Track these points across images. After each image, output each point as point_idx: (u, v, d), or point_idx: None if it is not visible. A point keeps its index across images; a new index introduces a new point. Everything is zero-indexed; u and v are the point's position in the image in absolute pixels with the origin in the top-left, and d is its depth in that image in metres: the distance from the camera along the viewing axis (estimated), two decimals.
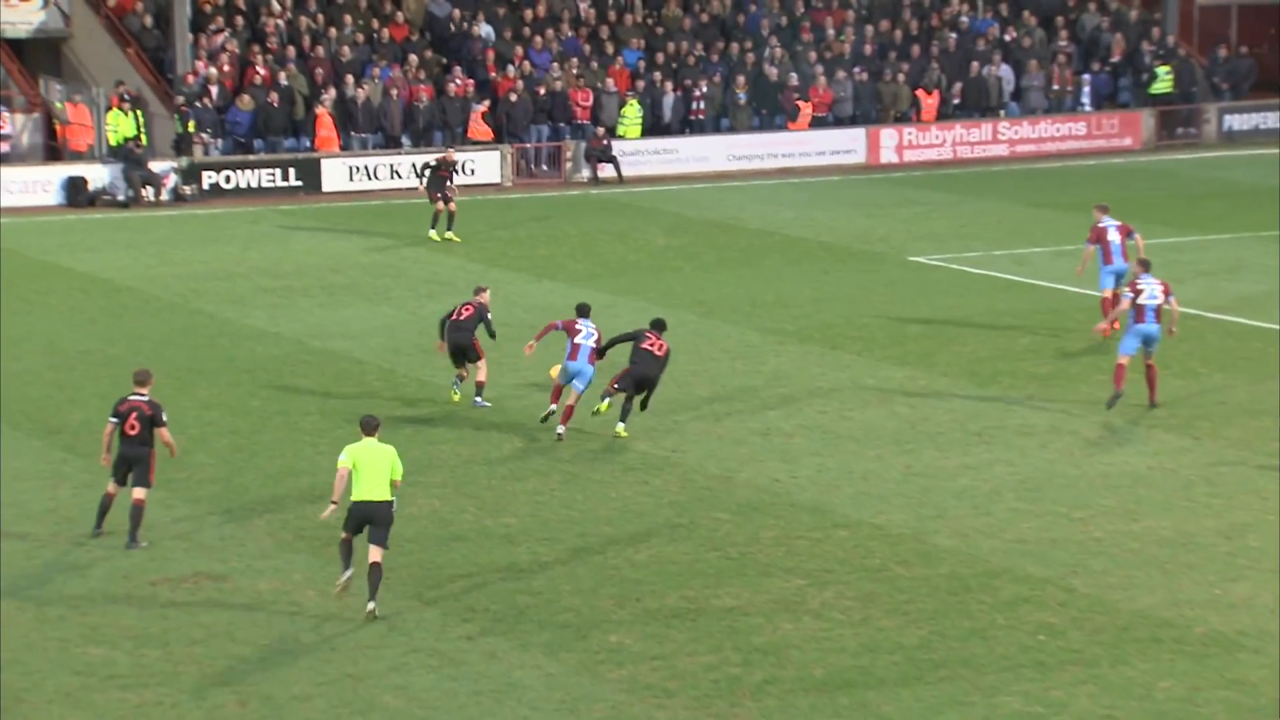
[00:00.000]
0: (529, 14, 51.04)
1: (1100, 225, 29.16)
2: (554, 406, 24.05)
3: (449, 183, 38.58)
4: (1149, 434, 23.91)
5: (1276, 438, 23.51)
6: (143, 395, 20.13)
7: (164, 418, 20.09)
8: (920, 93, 51.32)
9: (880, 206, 43.13)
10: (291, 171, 45.22)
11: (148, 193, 43.65)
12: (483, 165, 46.77)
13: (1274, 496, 21.19)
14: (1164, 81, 53.26)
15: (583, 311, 24.40)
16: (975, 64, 52.11)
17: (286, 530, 20.50)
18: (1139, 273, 25.35)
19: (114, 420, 19.99)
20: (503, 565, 19.35)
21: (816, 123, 50.15)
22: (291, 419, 24.93)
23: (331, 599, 18.26)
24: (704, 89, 49.58)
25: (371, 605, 17.86)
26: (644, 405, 24.14)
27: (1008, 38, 53.99)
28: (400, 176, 45.67)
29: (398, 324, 30.66)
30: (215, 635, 17.60)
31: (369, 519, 17.95)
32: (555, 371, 24.29)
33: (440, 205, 38.31)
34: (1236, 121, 53.95)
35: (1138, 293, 24.80)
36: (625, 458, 23.11)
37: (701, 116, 49.57)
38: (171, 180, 44.18)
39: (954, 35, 53.40)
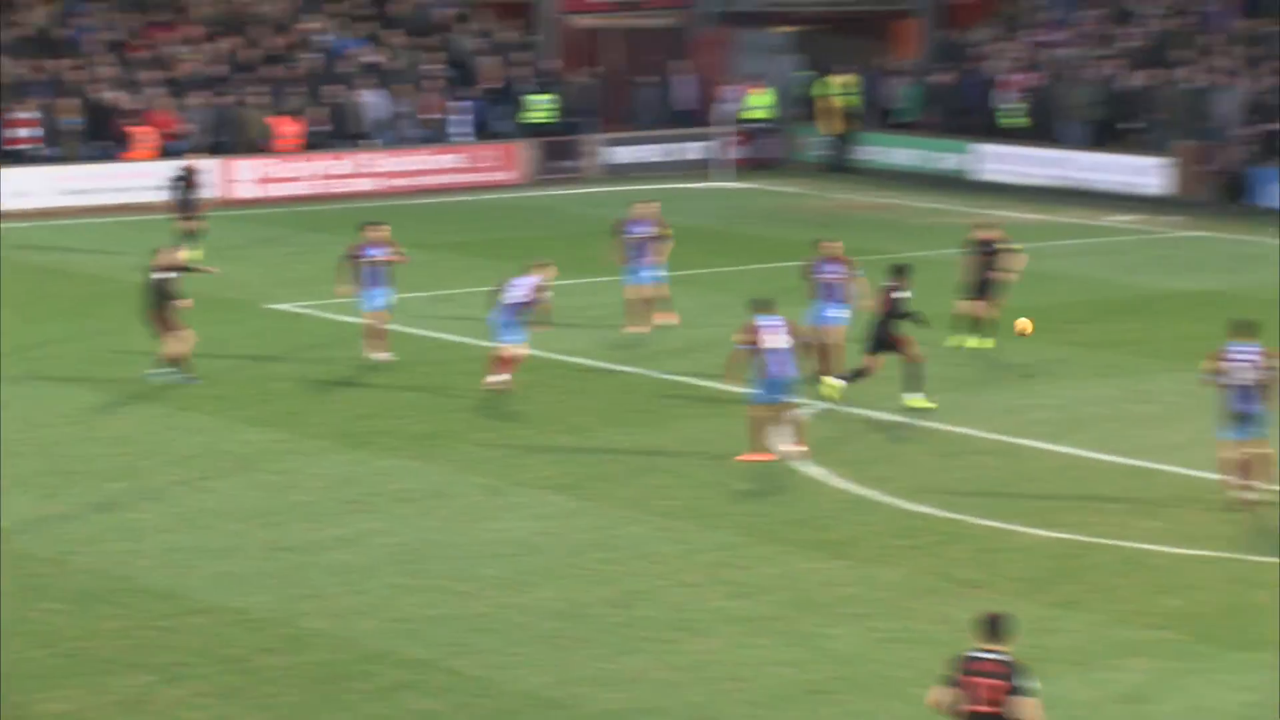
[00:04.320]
0: None
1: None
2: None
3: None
4: (538, 496, 24.68)
5: (671, 495, 24.65)
6: None
7: None
8: (279, 119, 51.52)
9: (237, 248, 43.02)
10: None
11: None
12: None
13: (666, 560, 22.22)
14: (538, 110, 55.07)
15: None
16: (338, 88, 52.70)
17: None
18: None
19: None
20: None
21: (167, 152, 49.68)
22: None
23: None
24: (25, 113, 48.40)
25: None
26: None
27: (375, 59, 54.82)
28: None
29: None
30: None
31: None
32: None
33: (194, 224, 40.43)
34: (620, 154, 56.30)
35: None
36: None
37: (33, 145, 48.37)
38: None
39: (316, 55, 53.85)
